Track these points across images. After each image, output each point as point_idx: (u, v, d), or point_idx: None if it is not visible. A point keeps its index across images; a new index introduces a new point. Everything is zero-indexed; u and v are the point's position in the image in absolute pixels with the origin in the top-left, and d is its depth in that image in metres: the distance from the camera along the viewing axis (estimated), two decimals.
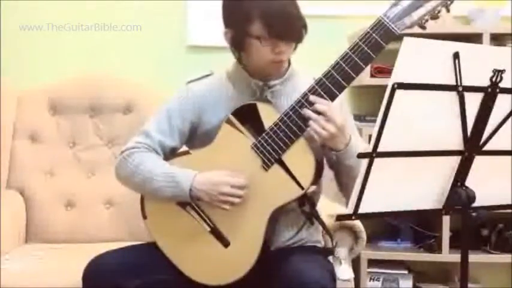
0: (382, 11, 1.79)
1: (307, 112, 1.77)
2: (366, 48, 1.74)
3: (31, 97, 2.85)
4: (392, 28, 1.72)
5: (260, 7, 1.79)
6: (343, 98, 1.93)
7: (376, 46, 1.73)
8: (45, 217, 2.73)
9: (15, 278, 2.18)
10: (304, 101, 1.79)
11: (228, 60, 2.00)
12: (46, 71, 3.03)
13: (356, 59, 1.75)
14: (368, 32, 1.73)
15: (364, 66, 1.76)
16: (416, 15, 1.72)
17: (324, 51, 2.59)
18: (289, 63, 1.95)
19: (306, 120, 1.79)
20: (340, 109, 1.87)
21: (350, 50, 1.75)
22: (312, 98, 1.78)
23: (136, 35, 3.06)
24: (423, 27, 1.74)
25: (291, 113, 1.81)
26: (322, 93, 1.78)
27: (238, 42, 1.87)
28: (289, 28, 1.81)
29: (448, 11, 1.73)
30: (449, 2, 1.71)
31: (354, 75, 1.76)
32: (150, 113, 2.05)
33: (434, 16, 1.73)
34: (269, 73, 1.90)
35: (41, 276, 2.21)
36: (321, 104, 1.76)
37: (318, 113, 1.76)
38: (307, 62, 1.98)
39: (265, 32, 1.80)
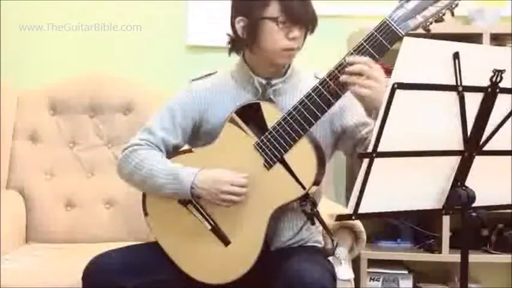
0: (382, 11, 1.80)
1: (344, 77, 1.75)
2: (370, 50, 1.74)
3: (31, 97, 2.85)
4: (397, 30, 1.73)
5: None
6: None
7: (380, 47, 1.74)
8: (45, 217, 2.73)
9: (15, 278, 2.17)
10: (307, 101, 1.80)
11: (228, 60, 2.00)
12: (46, 71, 3.03)
13: None
14: (373, 34, 1.74)
15: None
16: (421, 17, 1.73)
17: (324, 51, 2.60)
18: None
19: (308, 120, 1.80)
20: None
21: (355, 51, 1.76)
22: (351, 59, 1.74)
23: (136, 35, 3.06)
24: (427, 30, 1.75)
25: (294, 112, 1.81)
26: (325, 93, 1.78)
27: (251, 29, 1.86)
28: (305, 12, 1.83)
29: (452, 14, 1.73)
30: (454, 5, 1.71)
31: None
32: (150, 113, 2.05)
33: (439, 19, 1.73)
34: (278, 64, 1.90)
35: (41, 276, 2.21)
36: (358, 64, 1.73)
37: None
38: (307, 62, 1.98)
39: (282, 14, 1.81)
